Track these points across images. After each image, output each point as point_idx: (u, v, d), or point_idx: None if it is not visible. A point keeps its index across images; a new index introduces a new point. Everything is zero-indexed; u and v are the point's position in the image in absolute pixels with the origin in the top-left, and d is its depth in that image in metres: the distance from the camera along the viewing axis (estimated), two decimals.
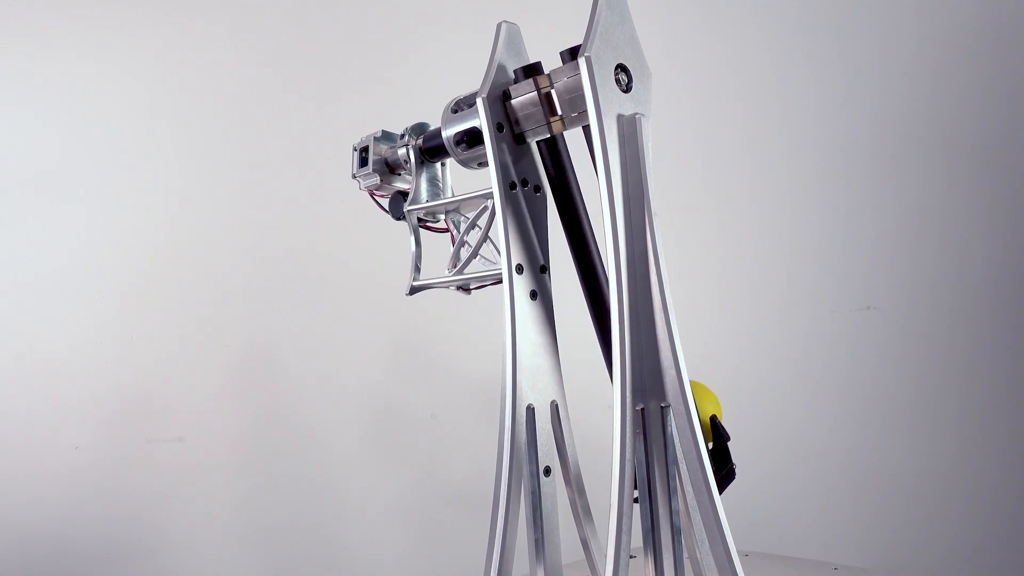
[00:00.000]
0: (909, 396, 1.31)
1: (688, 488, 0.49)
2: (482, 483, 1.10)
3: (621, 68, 0.50)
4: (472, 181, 0.69)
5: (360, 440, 1.06)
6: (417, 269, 0.64)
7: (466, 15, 1.17)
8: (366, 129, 1.07)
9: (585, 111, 0.51)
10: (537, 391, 0.56)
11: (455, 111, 0.60)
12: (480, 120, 0.56)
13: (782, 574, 0.83)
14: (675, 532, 0.48)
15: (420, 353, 1.11)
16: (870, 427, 1.28)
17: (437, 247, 0.69)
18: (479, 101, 0.55)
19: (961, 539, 1.26)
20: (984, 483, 1.28)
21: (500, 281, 0.60)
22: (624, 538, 0.46)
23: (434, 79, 1.13)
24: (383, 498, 1.06)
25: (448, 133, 0.60)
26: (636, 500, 0.74)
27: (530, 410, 0.55)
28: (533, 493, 0.55)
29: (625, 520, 0.46)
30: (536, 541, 0.56)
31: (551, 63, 0.64)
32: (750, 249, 1.31)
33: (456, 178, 0.70)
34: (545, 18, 0.89)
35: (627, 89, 0.51)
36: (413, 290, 0.64)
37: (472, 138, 0.59)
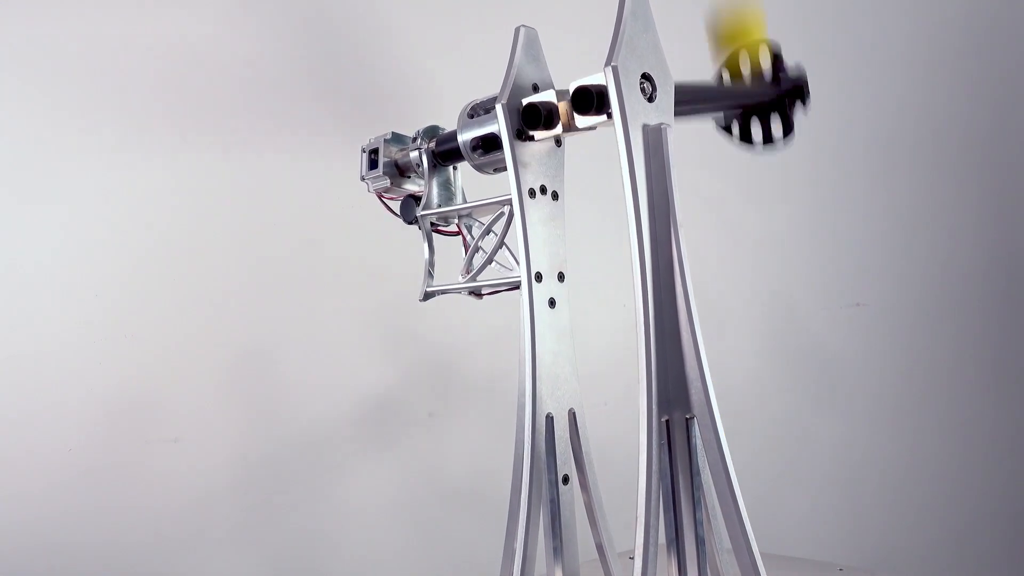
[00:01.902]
0: (897, 390, 1.33)
1: (713, 498, 0.49)
2: (480, 481, 1.10)
3: (645, 77, 0.50)
4: (481, 183, 0.69)
5: (357, 439, 1.05)
6: (430, 275, 0.64)
7: (472, 16, 1.16)
8: (366, 126, 1.06)
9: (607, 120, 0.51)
10: (556, 399, 0.56)
11: (471, 116, 0.59)
12: (499, 126, 0.55)
13: (786, 575, 0.85)
14: (699, 542, 0.49)
15: (417, 351, 1.10)
16: (860, 422, 1.30)
17: (445, 249, 0.68)
18: (498, 107, 0.55)
19: (947, 533, 1.29)
20: (969, 477, 1.30)
21: (514, 288, 0.60)
22: (652, 550, 0.46)
23: (439, 81, 1.12)
24: (381, 497, 1.05)
25: (464, 138, 0.59)
26: None
27: (549, 419, 0.55)
28: (552, 502, 0.55)
29: (652, 533, 0.46)
30: (555, 549, 0.56)
31: (564, 65, 0.64)
32: (742, 247, 1.32)
33: (465, 180, 0.69)
34: (551, 19, 0.88)
35: (651, 98, 0.50)
36: (427, 296, 0.63)
37: (488, 143, 0.59)
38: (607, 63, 0.48)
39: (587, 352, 0.62)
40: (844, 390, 1.32)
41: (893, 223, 1.38)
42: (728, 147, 1.33)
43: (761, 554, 0.49)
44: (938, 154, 1.39)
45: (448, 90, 1.09)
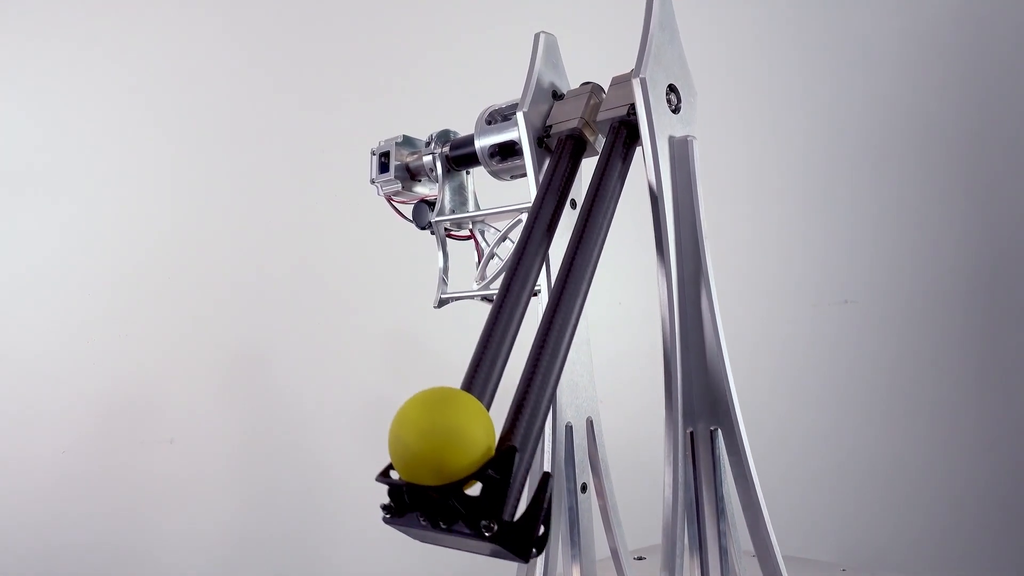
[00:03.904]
0: (884, 386, 1.35)
1: (734, 508, 0.50)
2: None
3: (671, 88, 0.50)
4: (492, 188, 0.68)
5: (355, 439, 1.05)
6: (444, 281, 0.63)
7: (475, 19, 1.15)
8: (361, 127, 1.05)
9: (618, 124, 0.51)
10: (575, 408, 0.56)
11: (489, 122, 0.59)
12: (519, 134, 0.55)
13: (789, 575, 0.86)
14: (722, 553, 0.49)
15: (415, 350, 1.09)
16: (849, 418, 1.32)
17: (453, 253, 0.68)
18: (519, 116, 0.54)
19: (931, 527, 1.32)
20: (960, 472, 1.33)
21: (531, 295, 0.59)
22: (678, 561, 0.46)
23: (439, 84, 1.11)
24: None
25: (482, 144, 0.59)
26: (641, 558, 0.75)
27: (568, 428, 0.55)
28: (571, 510, 0.55)
29: (678, 544, 0.46)
30: (573, 556, 0.56)
31: (572, 68, 0.63)
32: (732, 245, 1.33)
33: (476, 184, 0.68)
34: (555, 23, 0.88)
35: (676, 110, 0.50)
36: (441, 302, 0.62)
37: (506, 150, 0.58)
38: (634, 75, 0.48)
39: (619, 364, 0.62)
40: (832, 385, 1.34)
41: (881, 221, 1.39)
42: (714, 147, 1.33)
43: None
44: (925, 153, 1.41)
45: (449, 93, 1.08)
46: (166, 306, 0.96)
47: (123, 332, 0.94)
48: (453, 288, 0.64)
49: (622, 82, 0.52)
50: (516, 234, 0.60)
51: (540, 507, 0.32)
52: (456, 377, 1.15)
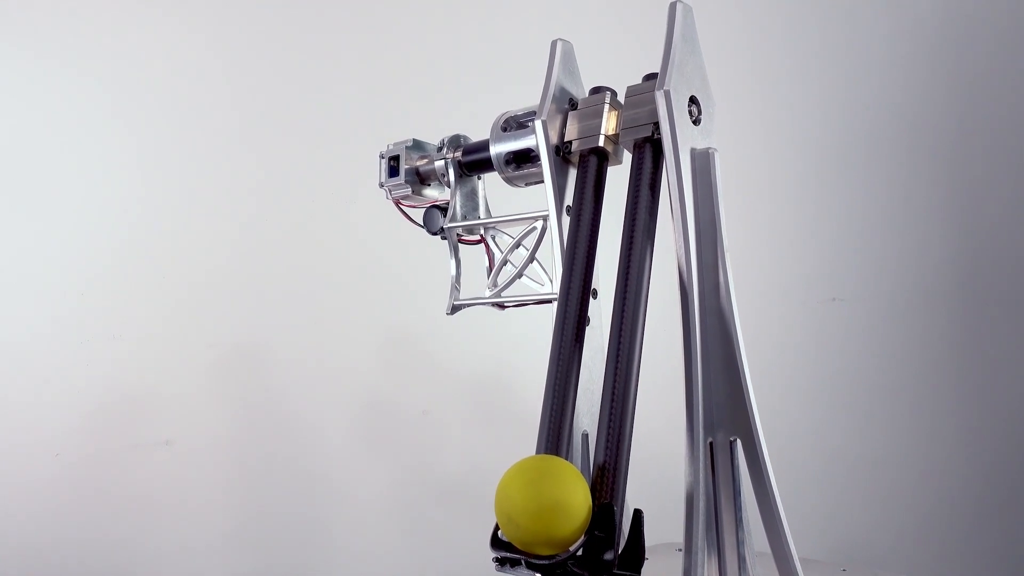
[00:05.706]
0: (879, 383, 1.37)
1: (750, 516, 0.50)
2: (474, 480, 1.10)
3: (692, 100, 0.50)
4: (499, 190, 0.68)
5: (351, 438, 1.04)
6: (456, 288, 0.63)
7: (478, 23, 1.14)
8: (353, 123, 1.04)
9: (643, 141, 0.51)
10: (591, 416, 0.56)
11: (505, 129, 0.58)
12: (537, 142, 0.55)
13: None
14: (741, 561, 0.50)
15: (411, 349, 1.09)
16: (841, 415, 1.34)
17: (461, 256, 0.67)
18: (537, 124, 0.54)
19: (931, 527, 1.35)
20: (953, 470, 1.36)
21: (543, 302, 0.60)
22: (699, 571, 0.46)
23: (443, 88, 1.10)
24: (375, 496, 1.05)
25: (498, 151, 0.58)
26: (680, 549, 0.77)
27: (585, 437, 0.55)
28: None
29: (700, 555, 0.47)
30: None
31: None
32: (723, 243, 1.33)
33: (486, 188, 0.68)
34: (560, 27, 0.88)
35: (696, 121, 0.50)
36: (454, 309, 0.62)
37: (522, 157, 0.58)
38: (657, 87, 0.48)
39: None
40: (821, 382, 1.36)
41: (869, 219, 1.41)
42: None
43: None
44: (912, 152, 1.43)
45: (453, 97, 1.08)
46: (160, 305, 0.95)
47: (118, 333, 0.92)
48: (472, 296, 0.64)
49: (640, 94, 0.52)
50: (529, 241, 0.60)
51: (640, 546, 0.38)
52: (456, 378, 1.14)
